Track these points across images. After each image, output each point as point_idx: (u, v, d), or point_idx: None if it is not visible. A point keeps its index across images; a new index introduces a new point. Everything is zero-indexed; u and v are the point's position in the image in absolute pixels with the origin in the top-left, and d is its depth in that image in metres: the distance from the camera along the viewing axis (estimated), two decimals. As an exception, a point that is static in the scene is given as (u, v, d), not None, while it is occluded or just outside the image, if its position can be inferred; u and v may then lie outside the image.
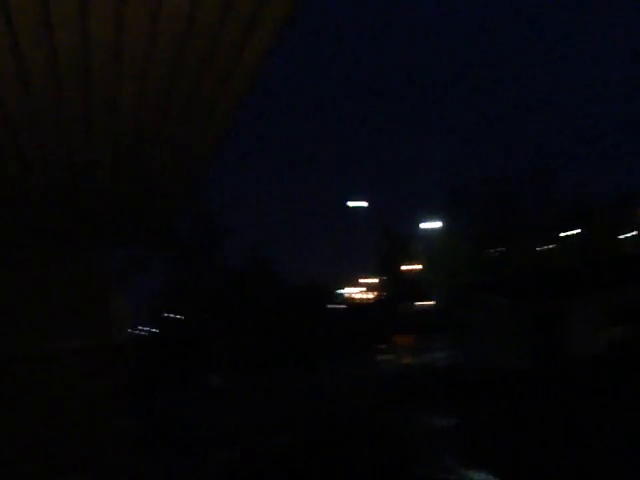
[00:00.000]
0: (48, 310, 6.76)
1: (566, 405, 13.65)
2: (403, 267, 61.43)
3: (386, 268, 67.87)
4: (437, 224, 47.68)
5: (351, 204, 45.14)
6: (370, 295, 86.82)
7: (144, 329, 69.35)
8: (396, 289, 62.45)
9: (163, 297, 58.12)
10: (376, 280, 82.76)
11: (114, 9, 2.79)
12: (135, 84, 3.53)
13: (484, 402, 15.75)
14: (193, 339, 45.44)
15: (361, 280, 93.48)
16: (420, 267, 46.86)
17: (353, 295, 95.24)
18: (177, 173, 5.36)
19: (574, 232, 51.48)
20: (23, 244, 7.00)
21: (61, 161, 4.72)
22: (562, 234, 50.88)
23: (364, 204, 45.50)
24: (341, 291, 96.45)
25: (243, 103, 4.00)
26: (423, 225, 48.15)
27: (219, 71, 3.50)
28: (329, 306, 66.24)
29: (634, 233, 53.94)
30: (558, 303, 20.24)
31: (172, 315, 56.57)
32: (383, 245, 66.44)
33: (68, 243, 7.17)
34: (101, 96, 3.65)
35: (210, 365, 39.93)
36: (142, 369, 33.16)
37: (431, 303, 46.17)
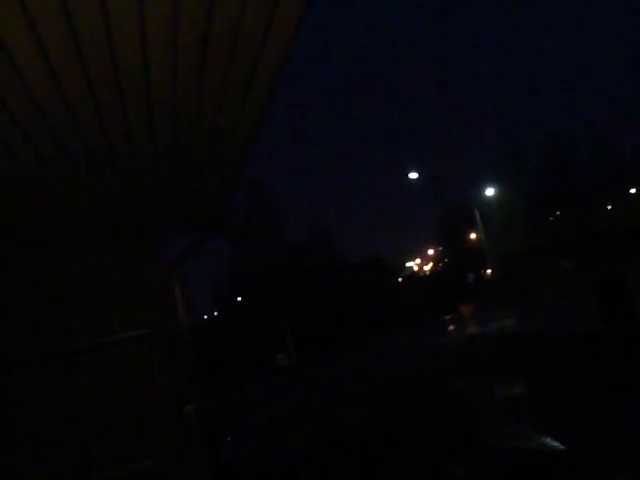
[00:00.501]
0: (109, 300, 6.90)
1: (637, 370, 13.34)
2: (465, 236, 60.96)
3: (447, 238, 67.29)
4: (496, 190, 47.11)
5: (410, 175, 44.80)
6: (432, 266, 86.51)
7: (209, 313, 70.47)
8: (458, 258, 61.91)
9: (226, 280, 58.83)
10: (437, 250, 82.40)
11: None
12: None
13: (552, 368, 15.54)
14: (258, 320, 45.83)
15: (423, 251, 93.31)
16: (481, 235, 46.29)
17: (417, 267, 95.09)
18: (224, 156, 5.41)
19: (634, 191, 50.38)
20: (82, 235, 7.13)
21: (125, 157, 4.85)
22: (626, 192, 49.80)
23: (421, 174, 45.18)
24: (407, 264, 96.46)
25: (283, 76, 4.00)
26: (482, 191, 47.62)
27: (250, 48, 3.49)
28: (394, 279, 66.17)
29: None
30: (624, 264, 19.77)
31: (235, 297, 57.16)
32: (443, 215, 65.79)
33: (125, 232, 7.29)
34: (161, 91, 3.77)
35: (277, 345, 40.30)
36: (209, 352, 33.72)
37: (494, 271, 45.59)
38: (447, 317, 41.34)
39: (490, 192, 47.20)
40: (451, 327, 36.31)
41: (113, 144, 4.50)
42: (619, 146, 50.28)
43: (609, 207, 48.70)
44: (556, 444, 9.38)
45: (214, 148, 5.12)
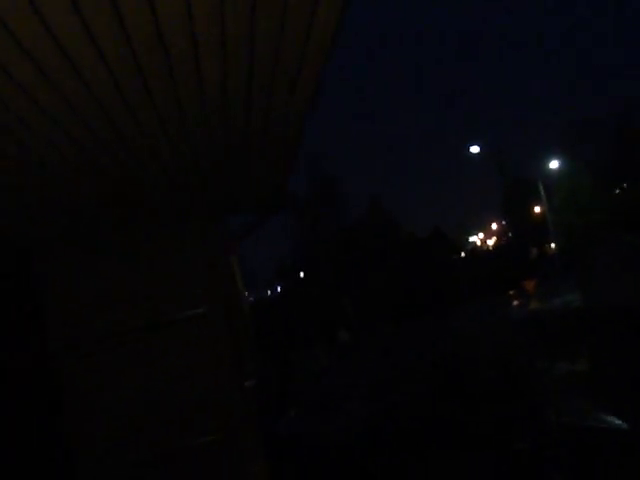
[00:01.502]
0: (167, 281, 7.07)
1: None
2: (529, 210, 60.10)
3: (511, 212, 66.46)
4: (560, 162, 46.30)
5: (472, 148, 44.29)
6: (496, 240, 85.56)
7: (272, 289, 71.16)
8: (522, 233, 61.11)
9: (289, 256, 59.37)
10: (501, 225, 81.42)
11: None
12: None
13: (616, 344, 15.34)
14: (320, 296, 46.10)
15: (487, 226, 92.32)
16: (546, 209, 45.57)
17: (480, 241, 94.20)
18: (276, 138, 5.47)
19: None
20: (142, 220, 7.30)
21: (183, 143, 5.01)
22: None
23: (484, 147, 44.64)
24: (470, 239, 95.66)
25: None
26: (547, 164, 46.86)
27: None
28: (457, 254, 65.80)
29: None
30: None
31: (298, 273, 57.61)
32: (507, 188, 64.90)
33: (188, 211, 7.44)
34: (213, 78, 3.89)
35: (338, 320, 40.50)
36: (271, 328, 34.12)
37: (558, 245, 44.89)
38: (511, 292, 40.86)
39: (554, 164, 46.41)
40: (515, 302, 35.92)
41: (170, 128, 4.63)
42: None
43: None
44: (618, 422, 9.31)
45: (267, 130, 5.19)
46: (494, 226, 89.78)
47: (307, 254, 55.14)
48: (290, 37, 3.59)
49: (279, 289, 66.24)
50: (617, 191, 47.60)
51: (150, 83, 3.73)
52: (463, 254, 70.57)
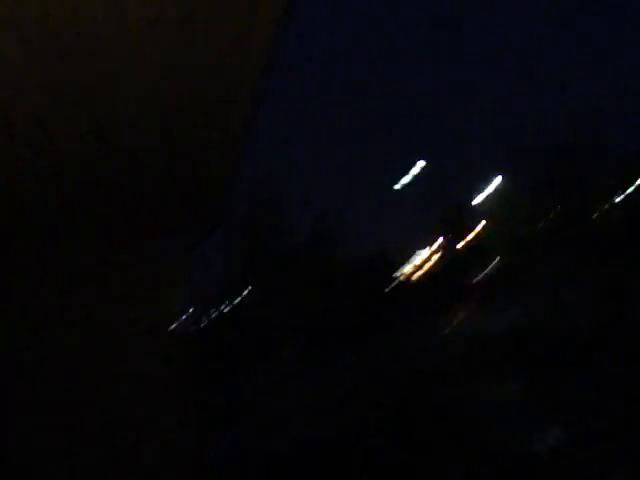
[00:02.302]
0: (109, 299, 6.97)
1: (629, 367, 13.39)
2: (468, 229, 60.74)
3: (451, 232, 67.01)
4: (498, 182, 47.12)
5: (412, 169, 44.79)
6: (434, 260, 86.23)
7: (212, 311, 70.29)
8: (460, 252, 61.72)
9: (229, 279, 58.65)
10: (441, 244, 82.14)
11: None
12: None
13: (554, 366, 15.59)
14: (263, 316, 45.77)
15: (428, 245, 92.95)
16: (483, 229, 46.32)
17: (418, 261, 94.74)
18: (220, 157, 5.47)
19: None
20: (84, 228, 7.17)
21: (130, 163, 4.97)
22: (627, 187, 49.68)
23: (422, 167, 45.09)
24: (412, 258, 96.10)
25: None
26: (484, 185, 47.64)
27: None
28: (397, 274, 65.92)
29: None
30: (623, 263, 19.76)
31: (240, 295, 57.01)
32: (447, 208, 65.55)
33: (124, 235, 7.35)
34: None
35: (281, 342, 40.28)
36: (215, 347, 33.86)
37: (500, 265, 45.61)
38: (451, 312, 41.26)
39: (493, 183, 47.23)
40: (455, 322, 36.27)
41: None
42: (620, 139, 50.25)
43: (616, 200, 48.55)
44: (555, 443, 9.47)
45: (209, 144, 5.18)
46: (435, 246, 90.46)
47: (251, 273, 54.61)
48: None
49: (223, 308, 65.42)
50: (554, 210, 48.55)
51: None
52: (406, 274, 70.72)
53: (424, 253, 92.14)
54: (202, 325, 48.50)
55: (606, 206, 44.88)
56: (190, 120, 4.64)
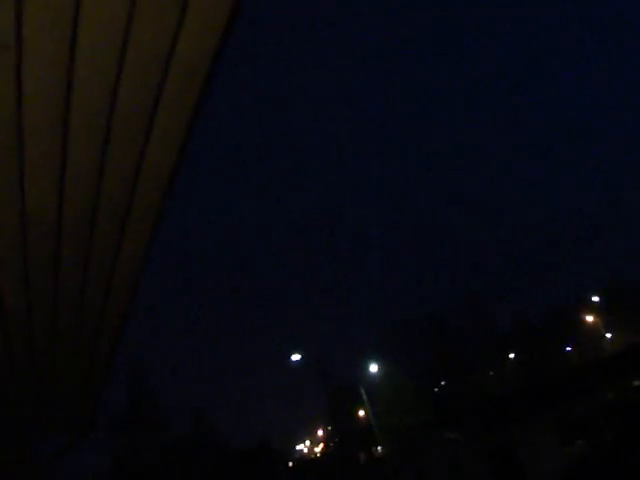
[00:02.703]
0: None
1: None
2: (354, 414, 60.52)
3: (336, 418, 66.70)
4: (379, 367, 47.47)
5: (293, 356, 44.47)
6: (323, 447, 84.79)
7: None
8: (348, 438, 61.14)
9: (107, 475, 56.04)
10: (327, 431, 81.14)
11: None
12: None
13: None
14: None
15: (313, 433, 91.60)
16: (369, 412, 46.02)
17: (307, 449, 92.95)
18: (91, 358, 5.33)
19: (512, 356, 52.11)
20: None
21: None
22: (504, 358, 51.44)
23: (305, 355, 44.93)
24: (297, 447, 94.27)
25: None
26: (367, 369, 47.84)
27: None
28: (284, 463, 64.65)
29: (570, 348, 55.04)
30: (511, 431, 19.91)
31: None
32: (330, 395, 65.46)
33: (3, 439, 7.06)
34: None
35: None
36: None
37: (384, 448, 45.19)
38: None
39: (374, 368, 47.48)
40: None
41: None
42: (492, 315, 52.69)
43: (491, 373, 49.96)
44: None
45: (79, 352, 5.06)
46: (320, 432, 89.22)
47: (130, 471, 52.30)
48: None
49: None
50: (436, 389, 49.32)
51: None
52: (290, 463, 69.42)
53: (308, 442, 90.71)
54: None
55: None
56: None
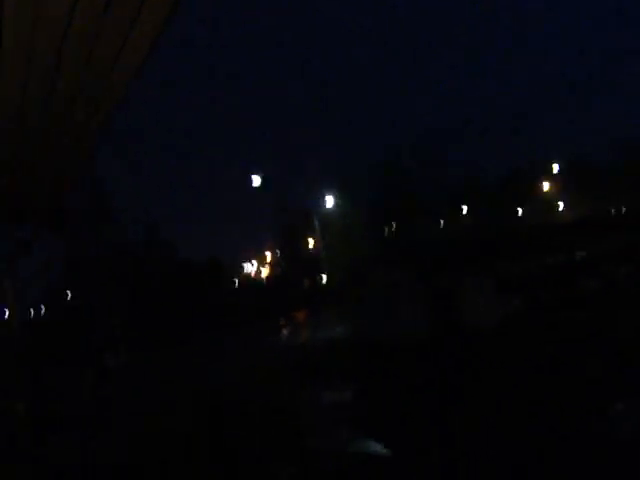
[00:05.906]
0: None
1: (457, 376, 13.84)
2: (304, 243, 61.58)
3: (286, 244, 67.89)
4: (336, 200, 48.00)
5: (251, 180, 44.67)
6: (270, 270, 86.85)
7: (36, 310, 67.41)
8: (296, 264, 62.57)
9: (56, 278, 56.68)
10: (275, 255, 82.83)
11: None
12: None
13: (382, 374, 15.80)
14: (87, 319, 44.38)
15: (261, 255, 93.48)
16: (320, 243, 47.06)
17: (253, 271, 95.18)
18: (63, 154, 5.25)
19: (464, 210, 53.05)
20: None
21: None
22: (455, 211, 52.43)
23: (261, 178, 45.12)
24: (244, 266, 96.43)
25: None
26: (323, 201, 48.36)
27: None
28: (231, 281, 66.14)
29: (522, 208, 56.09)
30: (453, 276, 20.58)
31: (66, 295, 55.23)
32: (283, 220, 66.24)
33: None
34: None
35: (105, 344, 39.05)
36: (33, 352, 32.15)
37: (329, 278, 46.48)
38: (281, 321, 41.47)
39: (330, 201, 48.02)
40: (284, 331, 36.49)
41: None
42: (446, 168, 53.10)
43: (442, 224, 51.01)
44: (381, 448, 9.51)
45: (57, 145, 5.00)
46: (268, 256, 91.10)
47: (79, 276, 53.01)
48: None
49: (43, 310, 62.71)
50: (387, 230, 50.26)
51: None
52: (237, 281, 71.10)
53: (255, 264, 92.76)
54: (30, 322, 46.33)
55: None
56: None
